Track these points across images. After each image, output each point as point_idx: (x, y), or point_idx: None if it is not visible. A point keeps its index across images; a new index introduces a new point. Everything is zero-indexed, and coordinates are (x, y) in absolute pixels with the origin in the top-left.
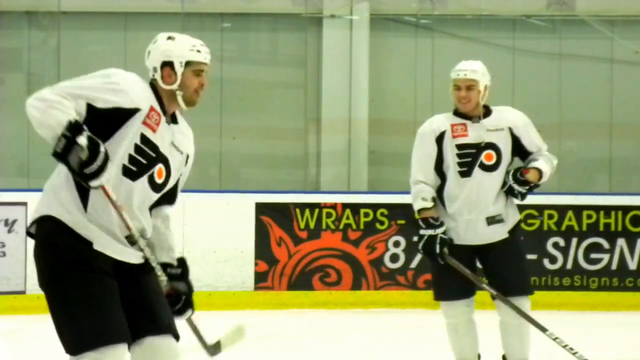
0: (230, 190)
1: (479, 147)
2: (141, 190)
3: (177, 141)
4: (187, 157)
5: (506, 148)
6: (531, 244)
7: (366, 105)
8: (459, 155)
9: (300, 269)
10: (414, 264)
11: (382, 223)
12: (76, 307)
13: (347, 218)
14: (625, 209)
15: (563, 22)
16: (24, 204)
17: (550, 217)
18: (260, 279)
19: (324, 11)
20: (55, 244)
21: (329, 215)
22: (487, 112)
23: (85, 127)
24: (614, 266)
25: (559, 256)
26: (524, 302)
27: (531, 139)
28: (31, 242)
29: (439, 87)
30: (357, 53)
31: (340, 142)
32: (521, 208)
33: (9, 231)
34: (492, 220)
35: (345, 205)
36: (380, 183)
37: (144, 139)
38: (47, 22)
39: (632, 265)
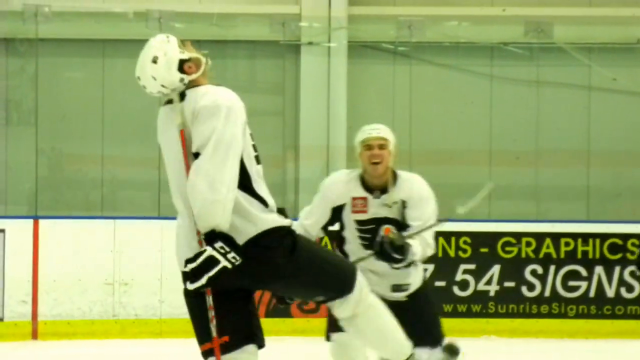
0: None
1: (378, 222)
2: None
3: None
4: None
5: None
6: (509, 272)
7: (344, 132)
8: (359, 230)
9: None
10: None
11: None
12: None
13: (325, 244)
14: (603, 237)
15: (540, 50)
16: (2, 231)
17: (528, 244)
18: None
19: (301, 38)
20: None
21: None
22: (394, 179)
23: None
24: (591, 294)
25: (537, 284)
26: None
27: (419, 212)
28: (10, 269)
29: (417, 114)
30: (335, 80)
31: (318, 169)
32: (499, 235)
33: None
34: (397, 288)
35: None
36: None
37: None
38: (25, 49)
39: (610, 293)
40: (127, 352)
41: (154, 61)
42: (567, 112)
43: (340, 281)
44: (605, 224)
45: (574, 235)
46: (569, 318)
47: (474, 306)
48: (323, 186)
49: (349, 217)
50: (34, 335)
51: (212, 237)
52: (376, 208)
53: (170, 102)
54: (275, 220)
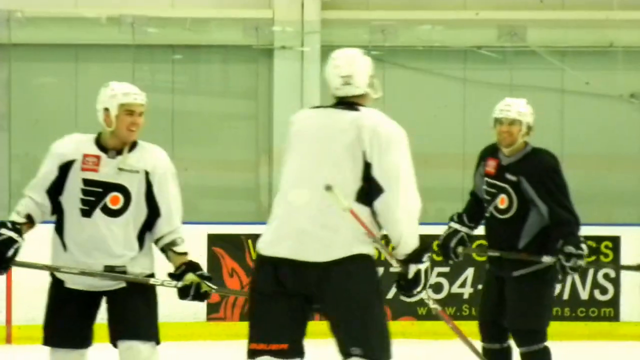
0: (182, 222)
1: (107, 187)
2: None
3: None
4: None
5: (138, 195)
6: (483, 275)
7: None
8: (84, 192)
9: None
10: None
11: None
12: None
13: None
14: None
15: (514, 53)
16: None
17: None
18: (212, 310)
19: (274, 43)
20: None
21: None
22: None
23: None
24: (565, 296)
25: None
26: (149, 348)
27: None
28: None
29: (390, 117)
30: (309, 84)
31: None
32: (473, 238)
33: None
34: (110, 270)
35: None
36: None
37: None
38: None
39: (584, 296)
40: (100, 356)
41: (364, 57)
42: (541, 115)
43: (384, 348)
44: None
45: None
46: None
47: (448, 309)
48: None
49: (75, 177)
50: (8, 339)
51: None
52: (110, 168)
53: (342, 105)
54: None
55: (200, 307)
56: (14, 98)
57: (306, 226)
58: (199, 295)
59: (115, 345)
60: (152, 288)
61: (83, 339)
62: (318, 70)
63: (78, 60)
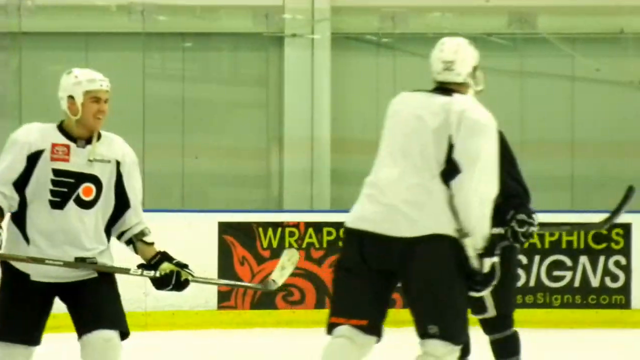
0: (193, 209)
1: (79, 178)
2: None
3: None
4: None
5: (108, 186)
6: None
7: (328, 123)
8: (55, 183)
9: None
10: None
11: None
12: None
13: (310, 237)
14: None
15: (524, 40)
16: None
17: None
18: (223, 298)
19: (285, 30)
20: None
21: (291, 234)
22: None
23: None
24: (576, 283)
25: (522, 274)
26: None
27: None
28: None
29: None
30: (319, 72)
31: (303, 161)
32: None
33: None
34: (81, 261)
35: (308, 224)
36: (343, 201)
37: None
38: (8, 43)
39: (595, 283)
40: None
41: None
42: (551, 102)
43: (460, 328)
44: (590, 213)
45: (559, 225)
46: (554, 308)
47: None
48: (14, 136)
49: (45, 167)
50: None
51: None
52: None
53: (439, 90)
54: None
55: (212, 295)
56: (25, 86)
57: (394, 202)
58: (179, 284)
59: (81, 336)
60: (115, 279)
61: (38, 336)
62: (329, 58)
63: (88, 49)
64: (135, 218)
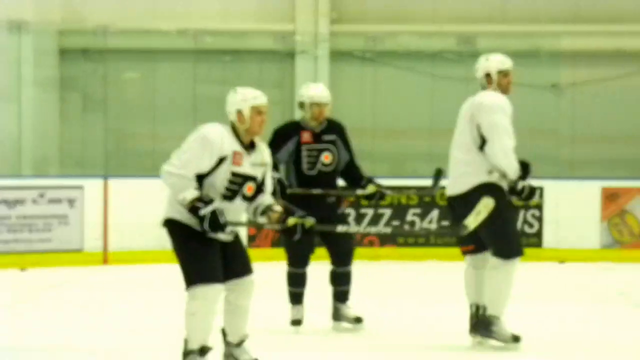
0: None
1: (246, 178)
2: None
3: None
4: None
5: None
6: (445, 214)
7: None
8: (230, 182)
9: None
10: (360, 228)
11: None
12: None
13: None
14: None
15: (469, 56)
16: (81, 187)
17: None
18: (250, 240)
19: (296, 48)
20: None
21: None
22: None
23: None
24: None
25: None
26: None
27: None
28: (87, 215)
29: (380, 104)
30: (321, 79)
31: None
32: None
33: (71, 207)
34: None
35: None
36: None
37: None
38: (97, 56)
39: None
40: (172, 273)
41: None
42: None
43: (512, 246)
44: None
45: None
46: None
47: (420, 239)
48: (208, 136)
49: (226, 169)
50: (105, 261)
51: (523, 177)
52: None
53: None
54: None
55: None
56: (109, 89)
57: (453, 173)
58: (306, 231)
59: (231, 279)
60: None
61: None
62: (327, 69)
63: (156, 61)
64: (268, 198)
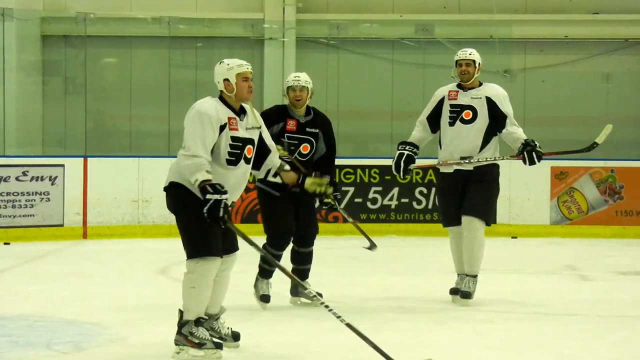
0: None
1: (244, 142)
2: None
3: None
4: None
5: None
6: (405, 192)
7: None
8: (231, 147)
9: (250, 209)
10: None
11: None
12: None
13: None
14: None
15: (426, 43)
16: (62, 165)
17: (417, 173)
18: None
19: (265, 35)
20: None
21: None
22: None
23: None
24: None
25: (423, 200)
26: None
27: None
28: (68, 192)
29: (343, 87)
30: (288, 64)
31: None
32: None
33: (52, 184)
34: (463, 159)
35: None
36: None
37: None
38: (77, 42)
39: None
40: (147, 246)
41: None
42: (443, 85)
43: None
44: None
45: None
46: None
47: (381, 215)
48: (204, 111)
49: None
50: (84, 235)
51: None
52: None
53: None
54: None
55: None
56: (88, 73)
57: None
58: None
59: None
60: None
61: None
62: (294, 54)
63: (132, 47)
64: (275, 158)
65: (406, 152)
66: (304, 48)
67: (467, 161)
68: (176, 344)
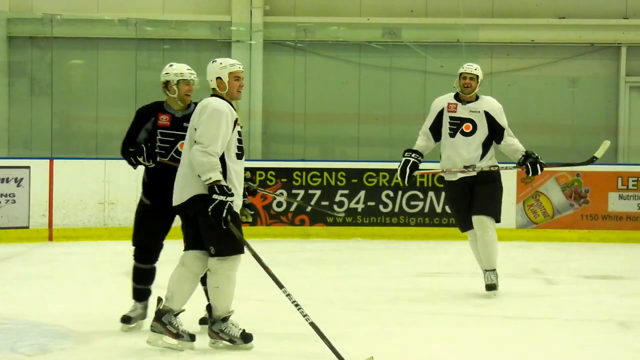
0: None
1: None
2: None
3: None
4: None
5: None
6: (371, 195)
7: (260, 101)
8: (238, 141)
9: None
10: (292, 208)
11: (271, 180)
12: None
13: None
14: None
15: (393, 46)
16: (28, 167)
17: (384, 177)
18: None
19: (232, 38)
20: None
21: None
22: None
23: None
24: (426, 209)
25: (390, 203)
26: None
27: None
28: (34, 193)
29: (310, 90)
30: (255, 66)
31: (244, 125)
32: (364, 171)
33: (18, 186)
34: (466, 167)
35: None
36: (270, 154)
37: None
38: (44, 44)
39: (439, 209)
40: (113, 249)
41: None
42: (410, 88)
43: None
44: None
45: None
46: (411, 226)
47: (347, 218)
48: (221, 109)
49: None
50: (50, 238)
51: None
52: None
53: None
54: None
55: None
56: (55, 74)
57: None
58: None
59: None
60: None
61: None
62: (261, 57)
63: (99, 49)
64: None
65: (412, 160)
66: (271, 51)
67: (470, 169)
68: (152, 330)
